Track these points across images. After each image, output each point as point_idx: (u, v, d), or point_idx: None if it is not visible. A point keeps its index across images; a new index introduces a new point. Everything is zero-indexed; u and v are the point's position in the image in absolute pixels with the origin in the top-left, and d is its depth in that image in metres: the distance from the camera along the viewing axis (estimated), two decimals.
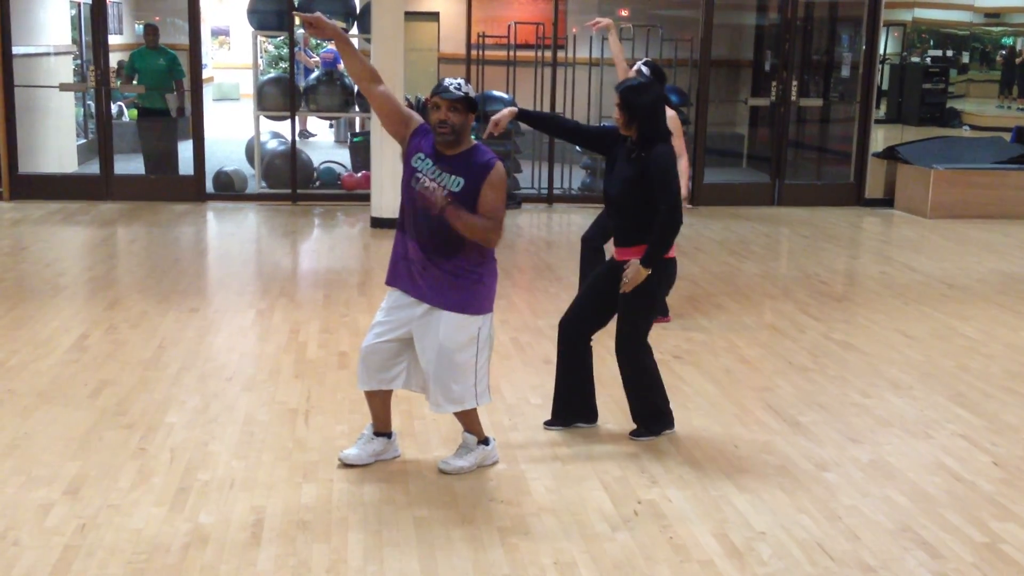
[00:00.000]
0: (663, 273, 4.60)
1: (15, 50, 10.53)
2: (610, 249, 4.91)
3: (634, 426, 4.78)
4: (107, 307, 6.76)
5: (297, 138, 11.41)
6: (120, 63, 12.70)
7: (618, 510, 4.03)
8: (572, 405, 4.82)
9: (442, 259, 4.12)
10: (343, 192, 11.35)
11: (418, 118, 4.28)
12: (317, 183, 11.57)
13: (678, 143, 6.16)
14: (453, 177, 4.08)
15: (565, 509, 4.03)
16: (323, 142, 16.25)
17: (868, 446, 4.76)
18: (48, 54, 11.78)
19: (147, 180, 11.22)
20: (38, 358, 5.67)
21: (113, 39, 11.97)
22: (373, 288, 7.40)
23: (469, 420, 4.36)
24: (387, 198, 9.71)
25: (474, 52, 11.58)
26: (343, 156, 12.70)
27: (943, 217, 11.00)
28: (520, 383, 5.48)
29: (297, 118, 11.41)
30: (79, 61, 13.33)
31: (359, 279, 7.82)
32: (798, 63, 12.12)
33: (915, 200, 11.27)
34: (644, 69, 6.12)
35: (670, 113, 6.24)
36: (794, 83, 11.59)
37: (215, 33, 21.92)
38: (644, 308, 4.63)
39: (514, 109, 4.60)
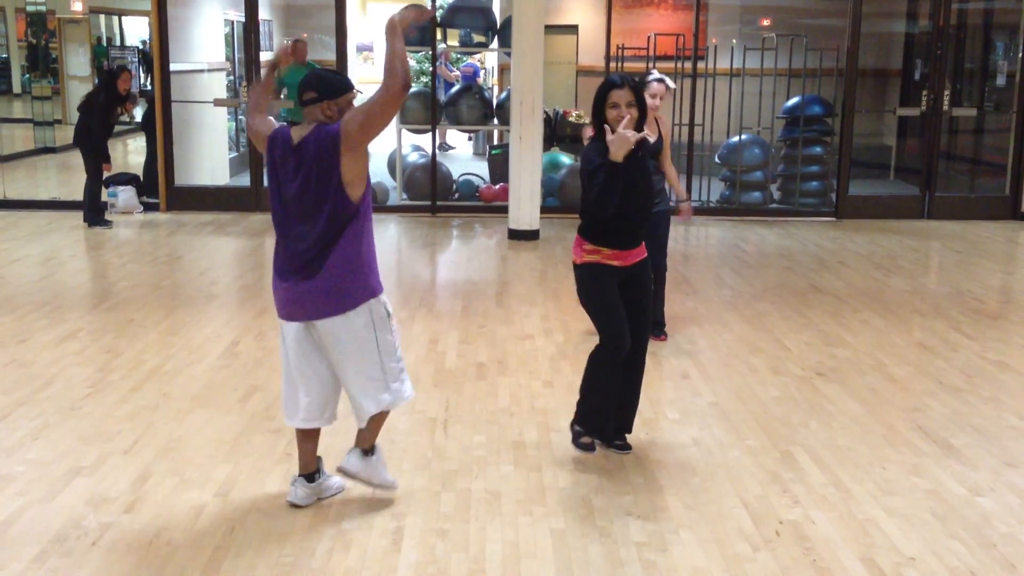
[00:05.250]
0: (579, 276, 4.60)
1: (172, 67, 11.05)
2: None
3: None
4: (256, 315, 6.99)
5: (437, 150, 11.60)
6: None
7: (759, 529, 3.94)
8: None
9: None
10: (481, 204, 11.48)
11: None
12: (456, 195, 11.73)
13: (663, 152, 6.14)
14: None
15: (704, 526, 3.96)
16: (462, 154, 16.47)
17: None
18: (202, 71, 12.29)
19: None
20: (192, 363, 5.90)
21: (264, 56, 12.38)
22: (510, 299, 7.45)
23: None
24: (525, 210, 9.79)
25: (613, 64, 11.56)
26: (481, 168, 12.84)
27: None
28: (658, 398, 5.43)
29: (437, 131, 11.60)
30: (232, 77, 13.88)
31: (496, 290, 7.88)
32: (950, 71, 11.68)
33: None
34: (668, 82, 6.13)
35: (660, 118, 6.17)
36: (946, 92, 11.17)
37: (359, 49, 22.49)
38: (588, 308, 4.63)
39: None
